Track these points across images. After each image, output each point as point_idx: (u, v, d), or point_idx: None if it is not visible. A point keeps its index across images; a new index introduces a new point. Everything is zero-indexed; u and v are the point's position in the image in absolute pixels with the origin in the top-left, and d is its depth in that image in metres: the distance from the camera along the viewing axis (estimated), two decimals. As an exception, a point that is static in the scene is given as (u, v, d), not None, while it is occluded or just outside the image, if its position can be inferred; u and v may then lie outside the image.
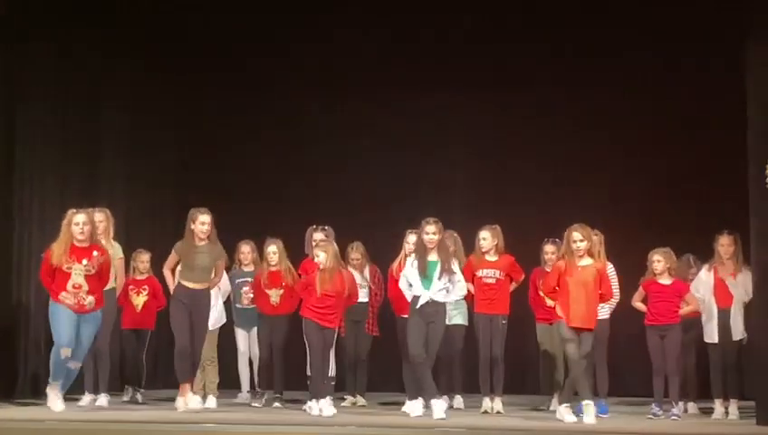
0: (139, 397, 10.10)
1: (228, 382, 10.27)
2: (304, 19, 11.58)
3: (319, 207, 11.11)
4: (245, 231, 10.26)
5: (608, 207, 11.11)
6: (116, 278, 9.39)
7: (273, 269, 9.68)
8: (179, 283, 8.92)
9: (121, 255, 9.55)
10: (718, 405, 9.26)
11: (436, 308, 8.68)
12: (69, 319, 8.52)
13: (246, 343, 10.14)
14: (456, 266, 8.80)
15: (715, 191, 11.12)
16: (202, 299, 8.95)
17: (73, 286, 8.54)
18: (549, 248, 9.80)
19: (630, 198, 11.60)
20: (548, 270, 9.69)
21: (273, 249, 9.70)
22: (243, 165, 12.19)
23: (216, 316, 9.80)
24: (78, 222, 8.59)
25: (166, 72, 11.82)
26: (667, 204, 11.52)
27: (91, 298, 8.56)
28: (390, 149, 11.95)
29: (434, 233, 8.70)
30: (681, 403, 9.39)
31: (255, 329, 9.93)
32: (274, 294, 9.66)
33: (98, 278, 8.64)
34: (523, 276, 9.56)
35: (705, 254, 9.55)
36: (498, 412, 9.23)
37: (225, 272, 9.56)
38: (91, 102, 10.94)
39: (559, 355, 9.77)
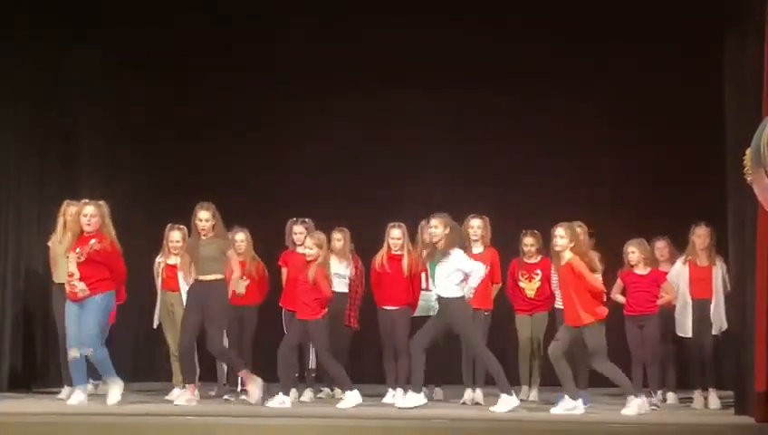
0: (90, 389, 9.97)
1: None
2: (293, 12, 11.52)
3: (303, 200, 11.08)
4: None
5: (589, 200, 11.12)
6: None
7: (240, 259, 9.60)
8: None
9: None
10: (698, 395, 9.32)
11: (446, 305, 8.65)
12: (72, 316, 8.59)
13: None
14: (458, 256, 8.71)
15: (692, 181, 11.13)
16: (210, 292, 8.84)
17: (68, 275, 8.61)
18: (528, 240, 9.85)
19: (611, 191, 11.58)
20: (526, 261, 9.76)
21: (241, 237, 9.68)
22: (225, 158, 12.10)
23: None
24: (86, 214, 8.64)
25: (147, 65, 11.73)
26: (648, 196, 11.50)
27: (81, 285, 8.53)
28: (376, 144, 11.91)
29: (435, 226, 8.70)
30: (659, 393, 9.45)
31: None
32: (240, 285, 9.53)
33: (92, 265, 8.56)
34: (500, 283, 9.65)
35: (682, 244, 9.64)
36: (477, 403, 9.26)
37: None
38: (68, 98, 10.88)
39: (536, 347, 9.81)
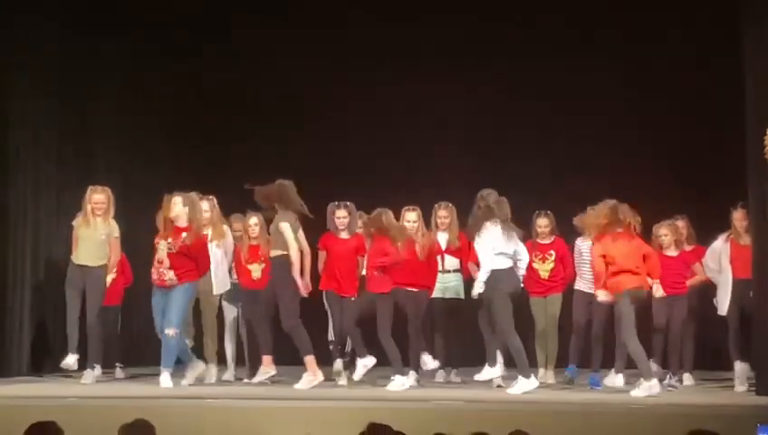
0: (119, 373, 10.05)
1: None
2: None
3: (318, 183, 11.05)
4: (240, 207, 10.17)
5: (607, 181, 11.05)
6: (110, 256, 9.53)
7: (254, 243, 9.61)
8: None
9: (117, 234, 9.57)
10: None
11: None
12: (158, 306, 9.01)
13: (234, 317, 9.98)
14: None
15: (714, 162, 11.06)
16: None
17: (157, 261, 8.96)
18: (541, 221, 9.82)
19: (631, 172, 11.48)
20: (539, 242, 9.74)
21: (255, 221, 9.61)
22: (242, 143, 12.05)
23: (220, 281, 9.68)
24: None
25: (166, 52, 11.72)
26: (667, 176, 11.41)
27: (171, 274, 8.91)
28: (389, 124, 11.86)
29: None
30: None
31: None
32: (256, 269, 9.58)
33: (181, 257, 8.93)
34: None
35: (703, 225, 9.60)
36: (499, 386, 9.24)
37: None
38: (86, 86, 10.87)
39: (551, 328, 9.81)
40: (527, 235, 9.75)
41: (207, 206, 9.62)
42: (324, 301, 9.59)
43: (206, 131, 12.13)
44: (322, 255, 9.58)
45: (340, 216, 9.44)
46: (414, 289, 9.22)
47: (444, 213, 9.58)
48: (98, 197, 9.40)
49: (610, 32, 11.47)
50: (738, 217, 9.22)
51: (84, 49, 10.81)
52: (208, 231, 9.51)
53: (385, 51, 11.73)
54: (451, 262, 9.60)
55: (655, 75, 11.38)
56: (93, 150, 11.05)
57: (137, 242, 10.22)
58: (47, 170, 10.32)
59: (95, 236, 9.41)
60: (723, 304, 9.23)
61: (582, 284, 9.61)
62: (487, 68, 11.60)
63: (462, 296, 9.69)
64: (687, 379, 9.66)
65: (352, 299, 9.36)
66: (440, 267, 9.50)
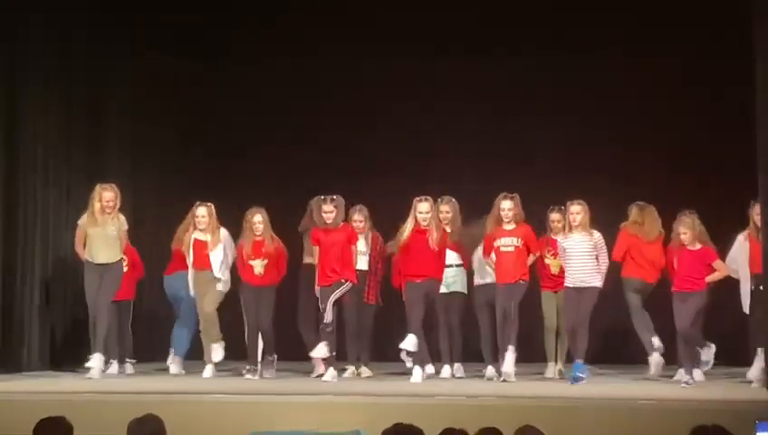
0: (129, 368, 10.07)
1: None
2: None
3: (321, 174, 11.07)
4: (241, 199, 10.19)
5: (619, 177, 11.05)
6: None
7: (258, 239, 9.63)
8: None
9: (126, 226, 9.61)
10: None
11: None
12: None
13: None
14: None
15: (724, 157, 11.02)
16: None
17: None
18: (555, 216, 9.79)
19: (642, 168, 11.48)
20: (554, 238, 9.73)
21: (259, 218, 9.64)
22: (254, 140, 12.08)
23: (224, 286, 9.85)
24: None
25: (175, 47, 11.76)
26: (680, 173, 11.39)
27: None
28: (393, 120, 11.86)
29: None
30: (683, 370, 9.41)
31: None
32: (259, 265, 9.61)
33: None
34: (539, 252, 9.61)
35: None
36: (505, 381, 9.23)
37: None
38: (95, 82, 10.90)
39: (560, 323, 9.80)
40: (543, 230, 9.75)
41: (206, 212, 9.72)
42: (318, 295, 9.52)
43: (214, 131, 12.15)
44: (316, 250, 9.49)
45: (327, 210, 9.34)
46: (421, 280, 9.26)
47: (446, 208, 9.58)
48: (108, 195, 9.43)
49: (616, 31, 11.46)
50: (756, 213, 9.19)
51: (92, 48, 10.83)
52: (207, 238, 9.67)
53: (390, 48, 11.73)
54: (451, 256, 9.64)
55: (663, 73, 11.36)
56: (102, 148, 11.06)
57: (142, 240, 10.29)
58: (56, 169, 10.34)
59: (107, 233, 9.45)
60: (745, 301, 9.17)
61: (571, 280, 9.40)
62: (494, 64, 11.59)
63: (465, 291, 9.80)
64: (698, 375, 9.60)
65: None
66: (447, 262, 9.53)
